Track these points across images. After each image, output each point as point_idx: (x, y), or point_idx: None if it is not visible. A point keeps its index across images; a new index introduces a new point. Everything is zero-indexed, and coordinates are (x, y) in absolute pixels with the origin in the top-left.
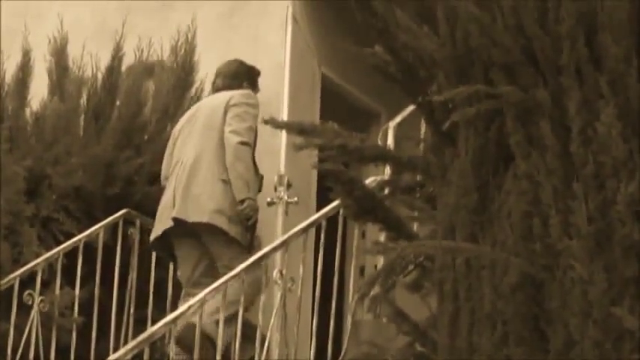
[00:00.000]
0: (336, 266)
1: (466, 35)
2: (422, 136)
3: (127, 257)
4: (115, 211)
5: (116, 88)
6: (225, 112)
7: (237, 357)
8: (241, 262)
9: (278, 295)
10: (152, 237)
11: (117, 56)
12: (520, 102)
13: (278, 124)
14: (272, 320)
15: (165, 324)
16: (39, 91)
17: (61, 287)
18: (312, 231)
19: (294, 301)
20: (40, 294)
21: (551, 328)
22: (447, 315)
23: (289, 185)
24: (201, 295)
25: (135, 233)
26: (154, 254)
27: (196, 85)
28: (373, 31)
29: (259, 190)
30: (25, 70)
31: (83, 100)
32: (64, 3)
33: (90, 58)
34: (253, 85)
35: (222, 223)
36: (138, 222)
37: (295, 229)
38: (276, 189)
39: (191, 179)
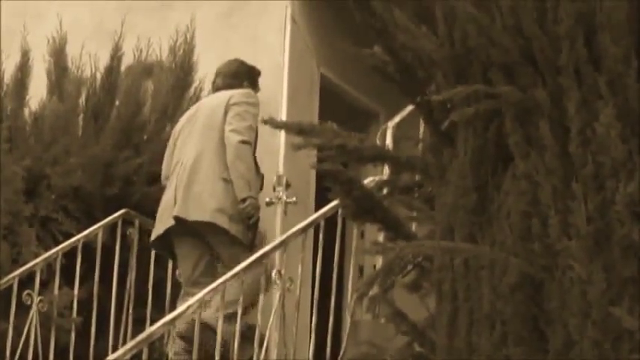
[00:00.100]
0: (334, 266)
1: (465, 35)
2: (420, 136)
3: (126, 257)
4: (114, 211)
5: (115, 88)
6: (226, 112)
7: (236, 357)
8: (242, 261)
9: (277, 294)
10: (153, 236)
11: (116, 56)
12: (519, 102)
13: (277, 124)
14: (271, 320)
15: (164, 324)
16: (38, 91)
17: (60, 287)
18: (311, 231)
19: (293, 300)
20: (39, 294)
21: (551, 328)
22: (446, 315)
23: (288, 185)
24: (200, 295)
25: (134, 233)
26: (152, 254)
27: (195, 85)
28: (372, 31)
29: (260, 189)
30: (23, 70)
31: (82, 100)
32: (62, 3)
33: (89, 58)
34: (254, 85)
35: (223, 222)
36: (137, 222)
37: (294, 229)
38: (274, 189)
39: (192, 178)
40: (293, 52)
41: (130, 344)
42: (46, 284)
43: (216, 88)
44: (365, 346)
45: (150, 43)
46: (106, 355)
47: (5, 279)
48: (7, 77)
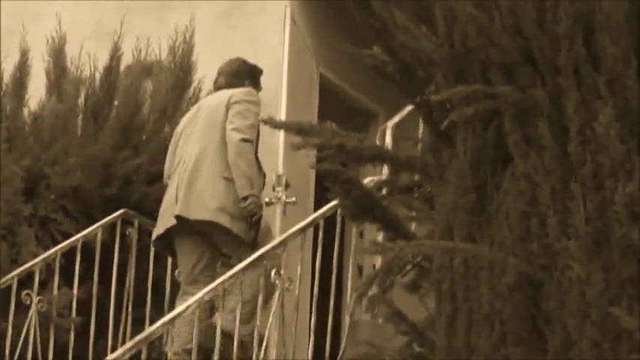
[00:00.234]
0: (334, 266)
1: (464, 35)
2: (420, 136)
3: (125, 257)
4: (113, 210)
5: (114, 88)
6: (227, 110)
7: (235, 357)
8: (244, 260)
9: (276, 294)
10: (154, 235)
11: (115, 56)
12: (518, 102)
13: (276, 124)
14: (270, 320)
15: (164, 324)
16: (37, 91)
17: (59, 287)
18: (310, 231)
19: (292, 300)
20: (38, 294)
21: (550, 328)
22: (445, 315)
23: (287, 185)
24: (199, 295)
25: (133, 233)
26: (151, 254)
27: (194, 85)
28: (371, 31)
29: (262, 187)
30: (23, 70)
31: (81, 100)
32: (62, 3)
33: (88, 58)
34: (256, 84)
35: (224, 220)
36: (136, 222)
37: (293, 229)
38: (274, 189)
39: (193, 177)
40: (292, 51)
41: (129, 344)
42: (45, 284)
43: (217, 87)
44: (364, 346)
45: (149, 43)
46: (106, 354)
47: (4, 279)
48: (7, 77)
